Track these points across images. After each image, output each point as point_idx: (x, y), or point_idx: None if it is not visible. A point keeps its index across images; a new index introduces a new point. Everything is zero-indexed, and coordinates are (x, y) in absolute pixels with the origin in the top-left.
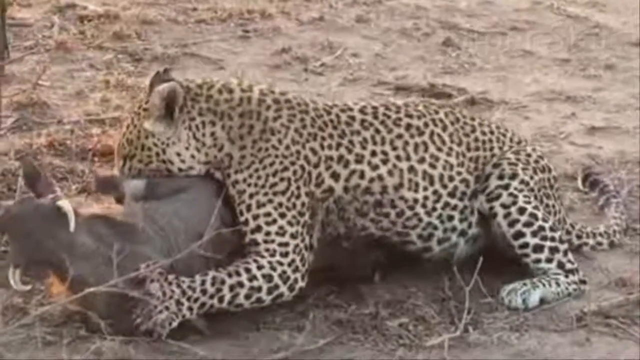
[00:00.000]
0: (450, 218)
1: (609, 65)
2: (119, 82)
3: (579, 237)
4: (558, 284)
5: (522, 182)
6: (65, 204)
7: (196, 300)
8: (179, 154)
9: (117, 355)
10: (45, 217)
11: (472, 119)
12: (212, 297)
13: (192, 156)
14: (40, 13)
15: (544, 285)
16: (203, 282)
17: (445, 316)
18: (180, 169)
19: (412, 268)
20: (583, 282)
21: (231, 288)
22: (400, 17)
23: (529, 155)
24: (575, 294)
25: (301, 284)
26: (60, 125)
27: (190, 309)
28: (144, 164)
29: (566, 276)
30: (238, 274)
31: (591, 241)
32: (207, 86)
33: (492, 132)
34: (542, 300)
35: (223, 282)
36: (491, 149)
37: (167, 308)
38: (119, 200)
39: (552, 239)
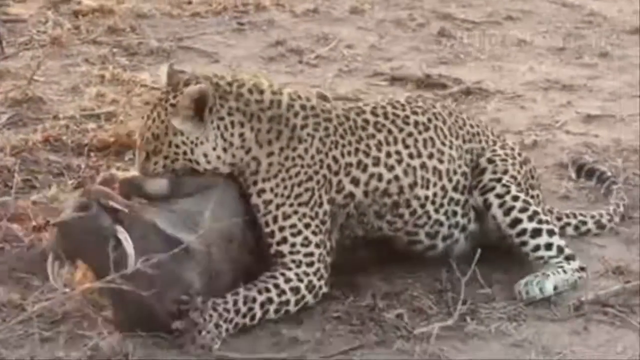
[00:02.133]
0: (454, 214)
1: (604, 54)
2: (114, 77)
3: (559, 219)
4: (565, 272)
5: (512, 176)
6: (127, 242)
7: (231, 321)
8: (205, 155)
9: (115, 351)
10: (104, 241)
11: (460, 112)
12: (244, 316)
13: (219, 157)
14: (34, 8)
15: (553, 274)
16: (235, 302)
17: (443, 307)
18: (205, 169)
19: (409, 259)
20: (582, 269)
21: (262, 305)
22: (395, 7)
23: (512, 149)
24: (580, 281)
25: (324, 289)
26: (56, 120)
27: (227, 330)
28: (170, 161)
29: (568, 263)
30: (268, 290)
31: (573, 221)
32: (238, 84)
33: (478, 126)
34: (555, 288)
35: (254, 300)
36: (480, 141)
37: (208, 332)
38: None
39: (547, 222)
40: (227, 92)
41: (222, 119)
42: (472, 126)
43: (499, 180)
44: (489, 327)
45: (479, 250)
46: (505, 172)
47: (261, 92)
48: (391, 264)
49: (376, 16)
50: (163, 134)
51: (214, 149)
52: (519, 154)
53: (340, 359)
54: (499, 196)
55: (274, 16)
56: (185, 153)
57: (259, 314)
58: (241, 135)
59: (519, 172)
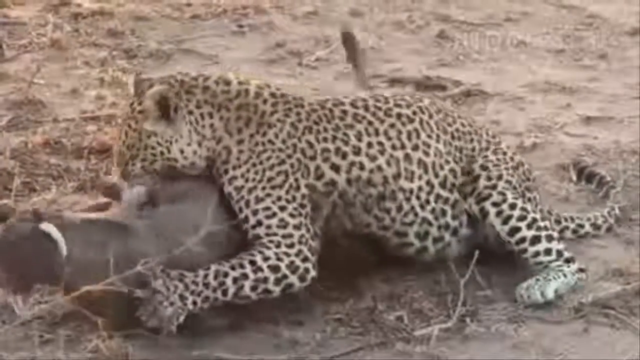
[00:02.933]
0: (443, 213)
1: (603, 55)
2: (114, 79)
3: (558, 222)
4: (565, 275)
5: (507, 182)
6: (52, 230)
7: (199, 293)
8: (182, 151)
9: (115, 353)
10: (35, 244)
11: (452, 110)
12: (215, 290)
13: (195, 152)
14: (34, 11)
15: (554, 278)
16: (206, 276)
17: (443, 309)
18: (183, 166)
19: (409, 261)
20: (582, 270)
21: (234, 280)
22: (394, 9)
23: (504, 153)
24: (580, 283)
25: (313, 273)
26: (56, 123)
27: (194, 302)
28: (148, 163)
29: (568, 266)
30: (242, 266)
31: (571, 225)
32: (203, 78)
33: (470, 125)
34: (556, 292)
35: (226, 274)
36: (471, 140)
37: (171, 303)
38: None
39: (546, 228)
40: (193, 86)
41: (191, 112)
42: (463, 124)
43: (494, 187)
44: (489, 329)
45: (476, 252)
46: (500, 177)
47: (227, 83)
48: (391, 266)
49: (376, 18)
50: (137, 141)
51: (189, 144)
52: (512, 158)
53: None
54: (495, 204)
55: (273, 19)
56: (162, 153)
57: (232, 289)
58: (211, 126)
59: (512, 177)
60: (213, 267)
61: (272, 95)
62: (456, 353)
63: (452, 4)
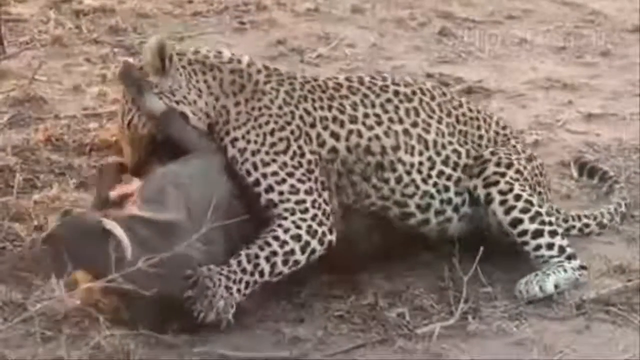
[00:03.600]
0: (446, 188)
1: (605, 52)
2: (115, 76)
3: (565, 221)
4: (565, 270)
5: (517, 171)
6: (117, 229)
7: (240, 281)
8: (185, 98)
9: (117, 349)
10: (94, 239)
11: (459, 96)
12: (252, 274)
13: (195, 101)
14: (36, 8)
15: (554, 272)
16: (239, 263)
17: (444, 306)
18: (193, 113)
19: (411, 258)
20: (583, 267)
21: (267, 259)
22: (396, 6)
23: (517, 144)
24: (581, 279)
25: (330, 237)
26: (57, 120)
27: (238, 290)
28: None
29: (569, 262)
30: (268, 244)
31: (578, 224)
32: (194, 47)
33: (478, 112)
34: (556, 287)
35: (257, 256)
36: (478, 127)
37: (222, 296)
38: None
39: (550, 223)
40: (184, 50)
41: (184, 67)
42: (470, 110)
43: (503, 174)
44: (491, 326)
45: (481, 249)
46: (510, 166)
47: (219, 52)
48: (393, 262)
49: (377, 15)
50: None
51: (189, 93)
52: (524, 150)
53: (342, 357)
54: (501, 193)
55: (275, 15)
56: (169, 99)
57: (267, 268)
58: (205, 82)
59: (524, 168)
60: (244, 253)
61: (265, 67)
62: (458, 350)
63: (454, 1)
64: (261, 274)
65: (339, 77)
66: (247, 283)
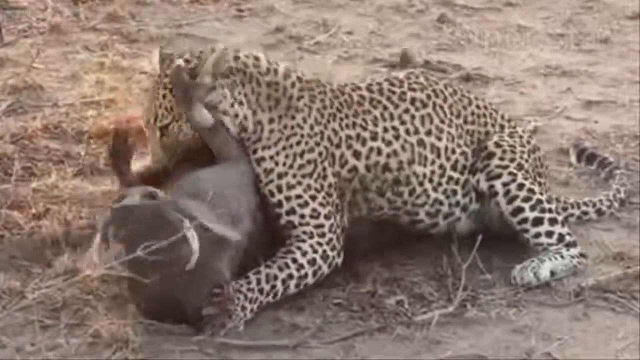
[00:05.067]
0: (454, 193)
1: (604, 39)
2: (113, 64)
3: (564, 209)
4: (563, 257)
5: (519, 164)
6: (193, 238)
7: (256, 300)
8: (229, 110)
9: (116, 337)
10: (167, 233)
11: (468, 91)
12: (268, 294)
13: (237, 114)
14: None
15: (550, 259)
16: (259, 282)
17: (443, 293)
18: (234, 125)
19: (410, 246)
20: (583, 255)
21: (283, 282)
22: None
23: (521, 136)
24: (579, 267)
25: (337, 260)
26: (56, 108)
27: (251, 310)
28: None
29: (567, 249)
30: (287, 266)
31: (576, 211)
32: (234, 50)
33: (485, 108)
34: (552, 273)
35: (276, 277)
36: (485, 124)
37: (237, 316)
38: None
39: (550, 211)
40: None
41: (226, 77)
42: (478, 107)
43: (506, 167)
44: (490, 313)
45: (479, 237)
46: (513, 159)
47: (257, 58)
48: (392, 250)
49: (376, 2)
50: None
51: (232, 105)
52: (528, 142)
53: (341, 345)
54: (505, 184)
55: (273, 3)
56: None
57: (280, 290)
58: (245, 95)
59: (526, 161)
60: (264, 272)
61: (299, 79)
62: (456, 337)
63: None
64: (275, 295)
65: (361, 86)
66: (261, 303)
